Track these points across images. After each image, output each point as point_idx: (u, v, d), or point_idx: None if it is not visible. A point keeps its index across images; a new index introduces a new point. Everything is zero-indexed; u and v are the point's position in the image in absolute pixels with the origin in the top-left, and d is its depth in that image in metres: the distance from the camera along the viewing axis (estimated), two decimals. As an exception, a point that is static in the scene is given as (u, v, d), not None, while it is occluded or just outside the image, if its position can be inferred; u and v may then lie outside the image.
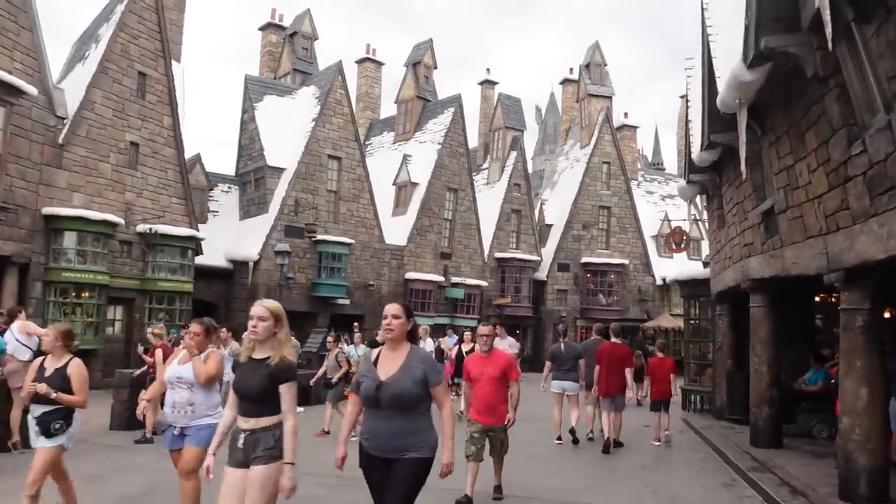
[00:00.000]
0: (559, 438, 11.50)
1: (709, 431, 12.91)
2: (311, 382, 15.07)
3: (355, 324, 24.46)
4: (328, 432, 12.23)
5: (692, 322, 17.06)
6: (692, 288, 16.53)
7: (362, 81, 38.30)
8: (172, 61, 26.55)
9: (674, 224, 20.02)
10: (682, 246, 18.99)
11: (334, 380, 12.36)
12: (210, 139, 72.97)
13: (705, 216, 17.10)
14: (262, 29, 34.98)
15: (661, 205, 40.76)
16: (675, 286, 36.09)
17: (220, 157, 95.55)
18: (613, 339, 11.14)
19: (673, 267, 37.28)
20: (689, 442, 12.42)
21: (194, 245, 23.02)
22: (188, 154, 28.66)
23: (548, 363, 11.71)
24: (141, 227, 21.56)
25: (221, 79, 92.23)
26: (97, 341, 19.99)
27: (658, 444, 11.78)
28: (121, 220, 20.80)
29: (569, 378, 11.20)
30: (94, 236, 19.87)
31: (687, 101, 14.25)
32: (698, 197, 16.15)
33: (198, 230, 23.48)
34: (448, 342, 20.65)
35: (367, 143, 37.62)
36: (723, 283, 13.74)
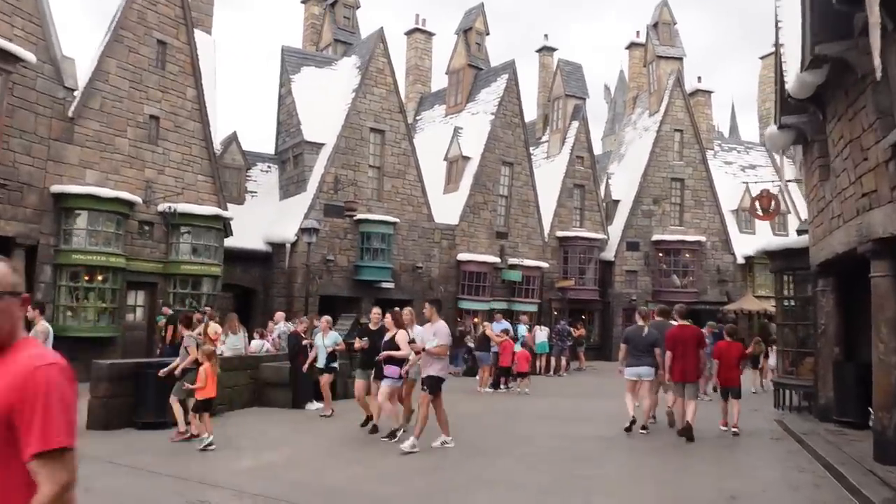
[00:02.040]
0: (629, 427, 10.76)
1: (813, 438, 10.14)
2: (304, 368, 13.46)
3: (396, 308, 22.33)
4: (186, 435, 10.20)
5: (786, 302, 14.18)
6: (785, 260, 13.64)
7: (412, 54, 36.02)
8: (202, 33, 24.96)
9: (759, 187, 17.17)
10: (771, 211, 16.03)
11: (178, 371, 10.39)
12: (252, 118, 72.12)
13: (796, 174, 14.16)
14: (304, 1, 33.09)
15: (741, 175, 37.11)
16: (762, 261, 33.12)
17: (262, 137, 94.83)
18: (680, 321, 10.68)
19: (756, 243, 33.90)
20: (790, 454, 9.68)
21: (221, 225, 21.19)
22: (225, 133, 27.16)
23: (623, 346, 11.16)
24: (161, 206, 19.84)
25: (267, 58, 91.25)
26: (114, 329, 18.39)
27: (725, 429, 10.99)
28: (137, 199, 19.14)
29: (643, 363, 10.72)
30: (107, 216, 18.27)
31: (777, 22, 11.39)
32: (791, 148, 13.25)
33: (225, 209, 21.66)
34: (495, 328, 18.29)
35: (417, 117, 35.37)
36: (828, 249, 10.92)
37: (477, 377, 18.30)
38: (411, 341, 9.88)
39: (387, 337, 10.32)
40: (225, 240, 22.51)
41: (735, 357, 10.98)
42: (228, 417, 12.83)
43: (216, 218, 20.79)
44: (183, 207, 19.91)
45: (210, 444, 9.37)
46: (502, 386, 17.43)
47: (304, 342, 14.23)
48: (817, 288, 12.29)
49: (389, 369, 9.97)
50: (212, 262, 20.78)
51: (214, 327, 15.59)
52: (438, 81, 35.66)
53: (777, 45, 11.41)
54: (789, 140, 12.36)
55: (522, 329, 21.86)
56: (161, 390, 11.32)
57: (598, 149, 37.10)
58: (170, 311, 18.10)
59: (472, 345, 20.71)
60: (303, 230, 19.62)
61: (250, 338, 16.71)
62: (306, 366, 13.31)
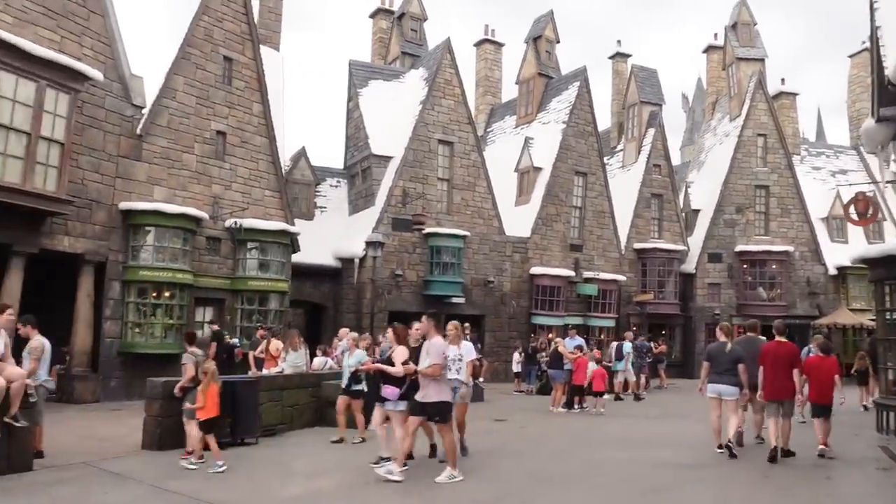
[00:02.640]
0: (720, 447, 10.08)
1: (928, 468, 8.93)
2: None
3: (465, 325, 21.69)
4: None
5: (888, 314, 12.84)
6: (887, 268, 12.34)
7: (481, 65, 35.55)
8: (270, 49, 25.12)
9: (854, 190, 15.74)
10: (869, 216, 14.60)
11: (177, 390, 9.96)
12: (322, 134, 72.76)
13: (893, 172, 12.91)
14: (372, 16, 33.09)
15: (831, 181, 34.96)
16: (857, 271, 30.85)
17: (331, 152, 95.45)
18: (778, 338, 10.07)
19: (849, 252, 31.79)
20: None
21: (288, 240, 21.01)
22: (294, 148, 27.19)
23: (705, 363, 10.54)
24: (228, 222, 19.78)
25: (336, 74, 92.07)
26: (181, 345, 18.25)
27: (825, 447, 10.11)
28: (204, 215, 19.13)
29: (724, 381, 10.05)
30: (174, 232, 18.28)
31: (872, 2, 10.27)
32: (890, 145, 12.00)
33: (293, 224, 21.50)
34: (568, 344, 17.39)
35: (488, 129, 34.81)
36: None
37: (550, 396, 17.42)
38: (405, 361, 8.94)
39: (386, 355, 9.59)
40: (293, 255, 22.40)
41: (828, 372, 10.23)
42: (287, 437, 12.41)
43: (283, 233, 20.62)
44: (249, 223, 19.80)
45: (221, 467, 8.92)
46: (576, 406, 16.49)
47: (367, 361, 13.71)
48: (927, 298, 11.02)
49: (387, 390, 8.91)
50: (279, 277, 20.60)
51: (276, 344, 15.34)
52: (509, 93, 35.09)
53: (873, 28, 10.29)
54: (890, 134, 11.14)
55: (627, 346, 20.74)
56: (245, 408, 11.05)
57: (676, 159, 35.67)
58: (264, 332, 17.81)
59: (545, 361, 19.85)
60: (368, 244, 19.20)
61: (313, 355, 16.33)
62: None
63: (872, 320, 28.36)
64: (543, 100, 31.27)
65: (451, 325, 9.50)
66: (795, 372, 9.80)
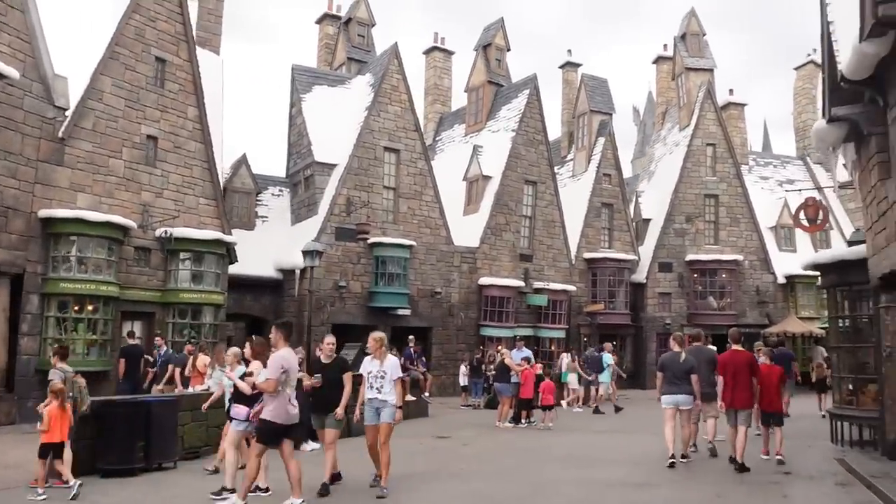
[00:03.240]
0: (671, 462, 9.90)
1: (886, 483, 8.44)
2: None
3: (410, 337, 20.94)
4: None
5: (840, 321, 12.48)
6: (839, 274, 11.96)
7: (431, 73, 34.95)
8: (209, 53, 24.14)
9: (800, 199, 15.51)
10: (819, 222, 14.33)
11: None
12: (265, 142, 71.57)
13: (848, 175, 12.57)
14: (318, 21, 32.24)
15: (779, 191, 35.04)
16: (805, 280, 30.87)
17: (276, 161, 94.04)
18: (734, 346, 10.25)
19: (797, 261, 31.94)
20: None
21: (224, 250, 20.02)
22: (236, 156, 26.19)
23: (659, 374, 10.53)
24: (158, 231, 18.71)
25: (283, 82, 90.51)
26: (105, 362, 17.11)
27: (767, 457, 10.46)
28: (131, 223, 18.04)
29: (681, 391, 10.11)
30: (98, 241, 17.18)
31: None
32: (841, 148, 11.64)
33: (229, 233, 20.51)
34: (515, 356, 16.74)
35: (437, 138, 34.20)
36: (889, 264, 9.33)
37: (497, 410, 16.74)
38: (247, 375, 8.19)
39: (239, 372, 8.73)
40: (231, 267, 21.44)
41: (775, 380, 10.41)
42: (211, 460, 11.45)
43: (218, 243, 19.63)
44: (180, 232, 18.77)
45: (76, 495, 8.16)
46: (523, 420, 15.83)
47: (306, 382, 12.85)
48: (880, 304, 10.62)
49: (235, 409, 8.25)
50: (213, 289, 19.58)
51: (203, 359, 14.35)
52: (459, 101, 34.51)
53: (824, 24, 9.89)
54: (841, 135, 10.76)
55: (608, 358, 20.42)
56: (128, 432, 10.05)
57: (627, 171, 35.42)
58: (163, 344, 16.94)
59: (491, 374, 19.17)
60: (305, 253, 18.32)
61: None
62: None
63: (822, 328, 28.52)
64: (493, 108, 30.78)
65: (372, 338, 8.70)
66: (754, 381, 9.85)
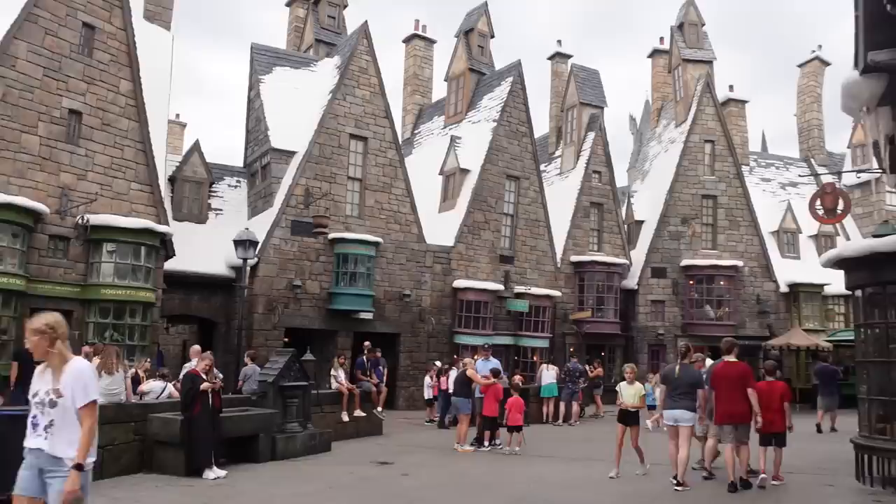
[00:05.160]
0: (677, 483, 9.27)
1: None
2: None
3: (366, 343, 18.56)
4: None
5: (868, 329, 10.11)
6: (872, 270, 9.59)
7: (410, 62, 32.69)
8: (159, 28, 21.82)
9: (802, 199, 13.34)
10: (839, 212, 12.00)
11: None
12: (229, 132, 69.20)
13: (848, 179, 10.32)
14: (288, 4, 29.96)
15: (781, 194, 32.93)
16: (809, 290, 28.61)
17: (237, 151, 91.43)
18: (726, 357, 9.64)
19: (800, 269, 29.70)
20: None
21: (157, 242, 17.63)
22: (188, 143, 23.93)
23: (661, 387, 10.13)
24: (78, 217, 16.34)
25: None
26: (5, 366, 14.63)
27: (762, 476, 9.58)
28: (44, 208, 15.67)
29: (681, 406, 9.42)
30: (1, 227, 14.73)
31: None
32: (873, 112, 9.31)
33: (166, 223, 18.14)
34: (480, 367, 14.35)
35: (416, 131, 31.93)
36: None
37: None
38: None
39: None
40: (177, 263, 19.25)
41: (777, 398, 9.70)
42: (94, 487, 9.02)
43: (148, 233, 17.22)
44: (101, 219, 16.39)
45: None
46: (486, 443, 13.41)
47: (204, 385, 10.49)
48: (926, 308, 8.28)
49: None
50: (143, 286, 17.17)
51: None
52: (440, 93, 32.20)
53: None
54: (878, 91, 8.44)
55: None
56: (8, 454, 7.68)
57: (621, 180, 32.92)
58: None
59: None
60: (236, 243, 15.94)
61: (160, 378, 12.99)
62: None
63: (829, 341, 26.18)
64: (474, 97, 28.49)
65: (30, 329, 4.45)
66: (751, 393, 9.20)
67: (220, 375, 14.98)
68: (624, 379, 10.70)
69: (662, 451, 9.98)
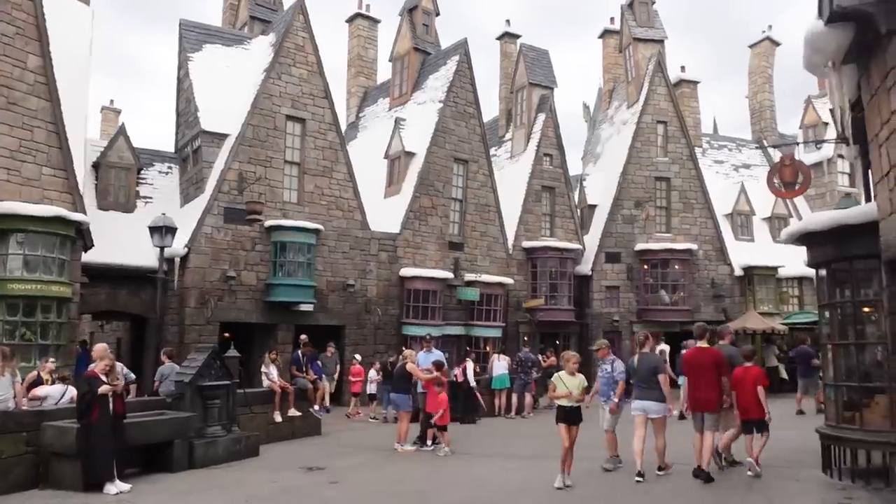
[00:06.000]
0: (640, 475, 8.98)
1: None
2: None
3: (302, 337, 17.44)
4: None
5: (834, 308, 9.35)
6: (836, 245, 8.81)
7: (354, 43, 31.41)
8: (77, 1, 20.29)
9: (780, 154, 12.56)
10: (798, 186, 11.25)
11: None
12: (164, 117, 67.05)
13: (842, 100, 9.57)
14: (224, -20, 28.39)
15: (735, 176, 32.56)
16: (763, 272, 28.25)
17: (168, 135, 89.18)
18: (699, 343, 9.43)
19: (755, 252, 29.33)
20: None
21: (72, 231, 16.17)
22: (113, 127, 22.33)
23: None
24: (-22, 206, 14.83)
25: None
26: None
27: (750, 474, 9.12)
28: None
29: (649, 397, 9.20)
30: None
31: None
32: (837, 69, 8.49)
33: (82, 212, 16.66)
34: (421, 359, 13.36)
35: (360, 114, 30.71)
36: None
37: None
38: None
39: None
40: (101, 255, 17.83)
41: (752, 383, 9.22)
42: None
43: (61, 221, 15.72)
44: (6, 206, 14.86)
45: None
46: (429, 442, 12.40)
47: (103, 388, 9.28)
48: (901, 283, 7.49)
49: None
50: (57, 279, 15.68)
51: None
52: (385, 74, 30.97)
53: None
54: (844, 43, 7.59)
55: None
56: None
57: (576, 169, 32.13)
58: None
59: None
60: (152, 230, 14.65)
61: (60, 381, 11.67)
62: None
63: (784, 324, 25.77)
64: (420, 78, 27.36)
65: None
66: (724, 380, 9.09)
67: (133, 376, 13.77)
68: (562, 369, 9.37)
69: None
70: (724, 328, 10.91)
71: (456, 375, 18.07)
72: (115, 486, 9.08)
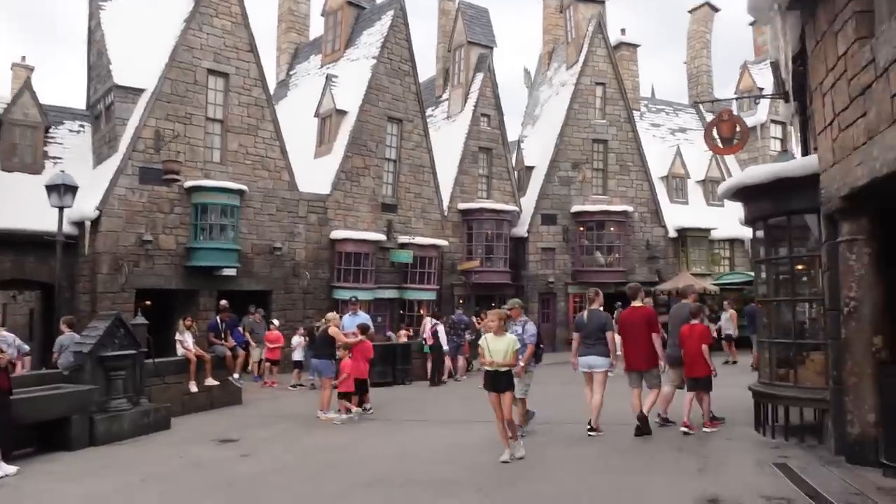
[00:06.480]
0: (591, 428, 9.13)
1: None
2: None
3: (222, 302, 16.58)
4: None
5: (771, 265, 9.03)
6: (774, 200, 8.43)
7: (285, -4, 30.04)
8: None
9: (719, 109, 12.29)
10: (737, 141, 10.87)
11: None
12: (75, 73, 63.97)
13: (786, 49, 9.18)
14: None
15: (671, 139, 32.55)
16: (695, 234, 28.23)
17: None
18: (633, 303, 9.63)
19: (688, 214, 29.46)
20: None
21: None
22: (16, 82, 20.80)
23: (575, 334, 9.70)
24: None
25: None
26: None
27: (686, 430, 8.98)
28: None
29: (594, 352, 9.23)
30: None
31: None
32: (785, 15, 8.04)
33: (-22, 170, 15.39)
34: (346, 322, 12.72)
35: (291, 72, 29.54)
36: (868, 166, 5.86)
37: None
38: None
39: None
40: (5, 219, 16.78)
41: (698, 341, 9.21)
42: None
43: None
44: None
45: None
46: (353, 409, 11.80)
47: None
48: (838, 238, 7.13)
49: None
50: (-51, 243, 14.49)
51: None
52: (318, 30, 29.75)
53: None
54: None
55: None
56: None
57: (515, 135, 31.52)
58: None
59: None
60: (49, 189, 13.54)
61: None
62: None
63: (716, 285, 25.94)
64: (353, 34, 26.27)
65: None
66: (655, 337, 9.17)
67: (27, 348, 12.75)
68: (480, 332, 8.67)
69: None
70: (688, 287, 11.08)
71: (426, 339, 17.68)
72: (1, 469, 8.23)
